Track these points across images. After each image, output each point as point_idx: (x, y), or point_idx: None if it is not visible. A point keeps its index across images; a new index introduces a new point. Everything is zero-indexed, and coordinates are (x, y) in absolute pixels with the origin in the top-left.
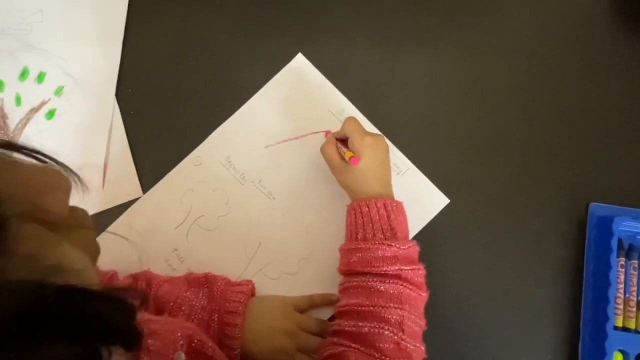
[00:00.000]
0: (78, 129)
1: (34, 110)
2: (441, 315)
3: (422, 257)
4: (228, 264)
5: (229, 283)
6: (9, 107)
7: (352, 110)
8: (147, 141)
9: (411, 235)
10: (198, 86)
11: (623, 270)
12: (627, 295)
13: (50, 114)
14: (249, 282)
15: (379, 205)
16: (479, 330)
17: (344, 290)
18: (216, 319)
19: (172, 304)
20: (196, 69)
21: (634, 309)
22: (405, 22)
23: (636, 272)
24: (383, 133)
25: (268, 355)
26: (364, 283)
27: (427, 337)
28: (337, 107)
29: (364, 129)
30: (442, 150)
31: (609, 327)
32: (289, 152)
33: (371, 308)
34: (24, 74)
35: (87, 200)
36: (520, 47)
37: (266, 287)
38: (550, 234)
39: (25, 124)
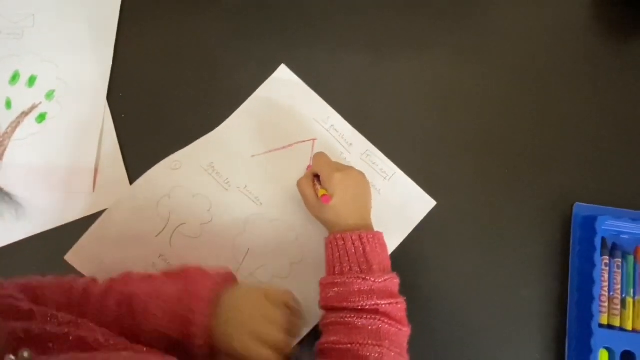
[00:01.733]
0: (69, 133)
1: (25, 114)
2: (429, 316)
3: (410, 259)
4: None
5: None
6: None
7: (336, 118)
8: (138, 144)
9: (400, 238)
10: (189, 90)
11: (607, 268)
12: (611, 293)
13: (41, 118)
14: (225, 270)
15: (354, 238)
16: (467, 331)
17: (323, 326)
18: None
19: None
20: (187, 73)
21: (619, 307)
22: (389, 28)
23: (620, 271)
24: (368, 138)
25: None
26: (342, 319)
27: (414, 338)
28: (322, 116)
29: (333, 165)
30: (429, 153)
31: (594, 325)
32: (276, 160)
33: (349, 345)
34: (14, 78)
35: (77, 203)
36: (506, 51)
37: None
38: (536, 234)
39: (16, 127)
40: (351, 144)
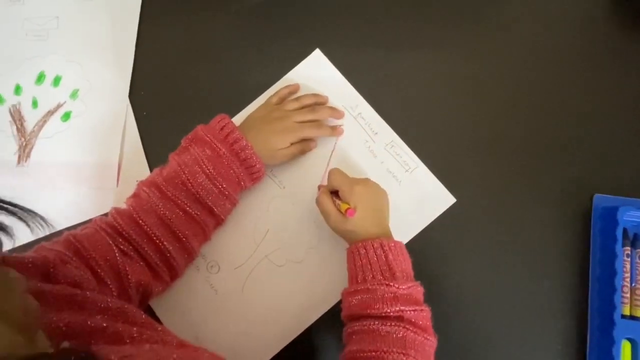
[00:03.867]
0: (93, 131)
1: (50, 112)
2: (451, 310)
3: (431, 252)
4: (236, 248)
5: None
6: (26, 110)
7: (365, 106)
8: (159, 141)
9: (415, 232)
10: (209, 87)
11: (629, 259)
12: (633, 284)
13: (66, 116)
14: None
15: (375, 246)
16: (488, 324)
17: (347, 336)
18: (226, 154)
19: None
20: (207, 70)
21: None
22: (418, 23)
23: None
24: (394, 130)
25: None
26: (366, 327)
27: (435, 330)
28: (351, 103)
29: (350, 179)
30: (450, 148)
31: (616, 316)
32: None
33: (373, 353)
34: (40, 78)
35: (103, 198)
36: (524, 45)
37: (271, 273)
38: (556, 226)
39: (42, 126)
40: (376, 133)
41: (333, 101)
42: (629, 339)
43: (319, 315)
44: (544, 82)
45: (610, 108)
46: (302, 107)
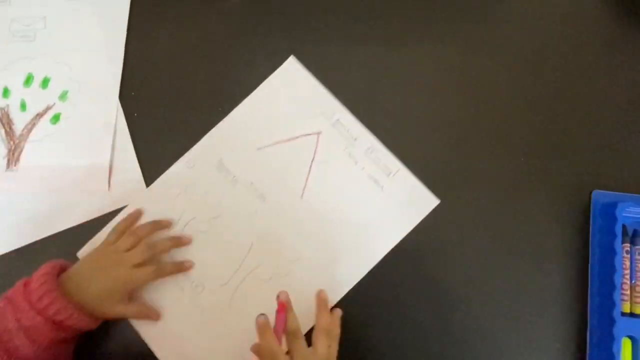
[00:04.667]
0: (83, 133)
1: (39, 115)
2: (449, 309)
3: (429, 250)
4: (220, 265)
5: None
6: (14, 113)
7: (343, 112)
8: (151, 142)
9: (402, 235)
10: (200, 87)
11: (628, 256)
12: (633, 281)
13: (55, 119)
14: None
15: None
16: (487, 322)
17: None
18: (36, 319)
19: None
20: (198, 69)
21: None
22: (397, 23)
23: None
24: (375, 132)
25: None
26: None
27: (432, 332)
28: (328, 109)
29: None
30: (443, 144)
31: (616, 314)
32: (281, 153)
33: None
34: (28, 80)
35: (94, 202)
36: (518, 39)
37: (258, 288)
38: (554, 223)
39: (31, 129)
40: (356, 139)
41: (310, 107)
42: (629, 337)
43: (309, 327)
44: (540, 77)
45: (609, 103)
46: (139, 241)
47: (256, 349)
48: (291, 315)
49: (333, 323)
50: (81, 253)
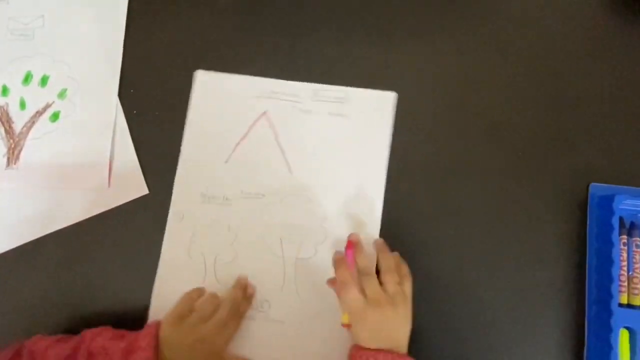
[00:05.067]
0: (83, 130)
1: (39, 113)
2: (446, 301)
3: (425, 244)
4: (268, 275)
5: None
6: (14, 111)
7: (272, 82)
8: (150, 140)
9: (387, 142)
10: None
11: (625, 248)
12: (630, 273)
13: (55, 117)
14: (153, 324)
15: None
16: (487, 316)
17: None
18: None
19: None
20: (196, 66)
21: (639, 286)
22: (397, 14)
23: (639, 250)
24: None
25: None
26: None
27: (431, 325)
28: (259, 89)
29: (361, 304)
30: (442, 140)
31: (613, 305)
32: (248, 151)
33: None
34: (27, 79)
35: (94, 199)
36: (515, 33)
37: (311, 272)
38: (552, 217)
39: (31, 127)
40: (297, 95)
41: (243, 98)
42: (627, 328)
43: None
44: (537, 71)
45: (605, 97)
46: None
47: (331, 281)
48: (361, 254)
49: (397, 262)
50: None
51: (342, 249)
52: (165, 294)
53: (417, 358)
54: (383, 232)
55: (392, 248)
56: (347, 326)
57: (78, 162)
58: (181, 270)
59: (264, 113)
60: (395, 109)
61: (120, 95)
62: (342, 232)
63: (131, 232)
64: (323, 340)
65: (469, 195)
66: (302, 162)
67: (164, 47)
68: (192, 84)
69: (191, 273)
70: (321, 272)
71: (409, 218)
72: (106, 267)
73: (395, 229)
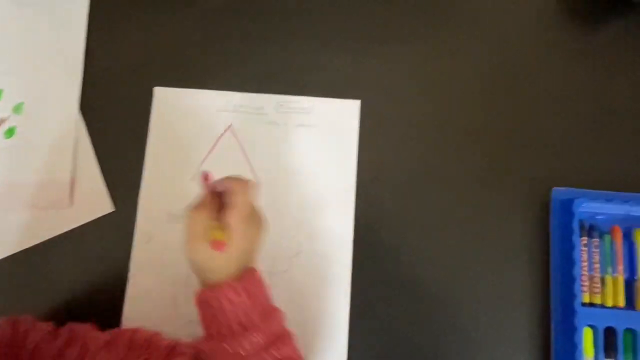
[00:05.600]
0: (41, 146)
1: None
2: (413, 305)
3: (392, 251)
4: None
5: (172, 352)
6: None
7: (236, 95)
8: (115, 154)
9: (354, 148)
10: None
11: (586, 249)
12: (591, 272)
13: (10, 132)
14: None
15: (230, 296)
16: (454, 318)
17: None
18: None
19: None
20: (162, 78)
21: (599, 285)
22: (367, 21)
23: (598, 250)
24: None
25: None
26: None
27: (399, 328)
28: (222, 102)
29: (247, 209)
30: (407, 144)
31: (577, 304)
32: (213, 165)
33: None
34: None
35: (55, 218)
36: (480, 42)
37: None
38: (518, 220)
39: None
40: (262, 107)
41: (206, 112)
42: (590, 326)
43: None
44: (500, 78)
45: (565, 104)
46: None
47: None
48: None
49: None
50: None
51: (317, 261)
52: (136, 320)
53: (391, 356)
54: (356, 240)
55: (365, 254)
56: (219, 246)
57: (37, 180)
58: (151, 294)
59: (229, 127)
60: (361, 117)
61: (82, 109)
62: (315, 244)
63: (96, 252)
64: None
65: (437, 200)
66: (270, 175)
67: (126, 61)
68: (152, 100)
69: (161, 297)
70: (297, 285)
71: (380, 224)
72: (70, 290)
73: (367, 236)
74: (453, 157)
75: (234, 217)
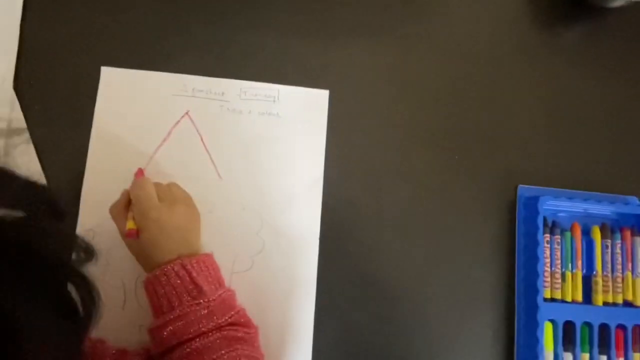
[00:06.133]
0: None
1: None
2: (381, 303)
3: (361, 246)
4: None
5: None
6: None
7: (193, 79)
8: (55, 141)
9: (322, 139)
10: None
11: (549, 245)
12: (552, 269)
13: None
14: None
15: (176, 269)
16: (421, 315)
17: None
18: None
19: None
20: (110, 58)
21: (559, 281)
22: (335, 14)
23: (559, 247)
24: None
25: None
26: (187, 350)
27: (367, 325)
28: (179, 86)
29: (152, 199)
30: (374, 144)
31: (539, 300)
32: (169, 155)
33: None
34: None
35: None
36: (450, 40)
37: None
38: (485, 217)
39: None
40: (223, 93)
41: (161, 97)
42: (551, 320)
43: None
44: (469, 77)
45: (532, 104)
46: None
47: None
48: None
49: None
50: None
51: (281, 259)
52: None
53: (359, 357)
54: (322, 235)
55: (332, 251)
56: (133, 234)
57: None
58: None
59: (186, 113)
60: (329, 108)
61: (17, 89)
62: (280, 241)
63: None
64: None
65: (404, 197)
66: (232, 167)
67: (71, 35)
68: (99, 82)
69: (108, 300)
70: (260, 285)
71: (347, 220)
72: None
73: (334, 232)
74: (421, 154)
75: (137, 210)
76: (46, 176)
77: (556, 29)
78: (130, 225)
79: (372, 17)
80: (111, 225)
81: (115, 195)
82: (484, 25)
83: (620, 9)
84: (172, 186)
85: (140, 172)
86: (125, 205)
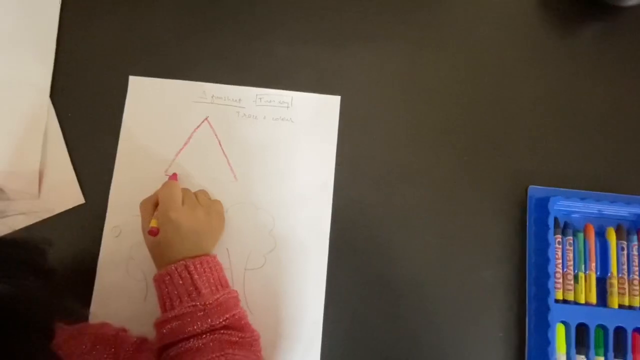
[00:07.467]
0: (9, 134)
1: None
2: (392, 303)
3: (371, 246)
4: None
5: (139, 348)
6: None
7: (212, 87)
8: (86, 144)
9: (333, 148)
10: None
11: (560, 246)
12: (564, 270)
13: None
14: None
15: (179, 270)
16: (432, 316)
17: None
18: None
19: None
20: (137, 67)
21: (572, 282)
22: (344, 19)
23: (571, 248)
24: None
25: None
26: (181, 349)
27: (376, 325)
28: (199, 93)
29: (176, 201)
30: (386, 143)
31: (550, 301)
32: (189, 159)
33: None
34: None
35: (23, 208)
36: (460, 41)
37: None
38: (496, 218)
39: None
40: (240, 99)
41: (182, 103)
42: (563, 322)
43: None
44: (480, 78)
45: (542, 104)
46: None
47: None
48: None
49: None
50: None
51: (293, 257)
52: (103, 316)
53: (368, 355)
54: (332, 235)
55: (342, 251)
56: (154, 232)
57: (4, 169)
58: (120, 289)
59: (206, 119)
60: (340, 113)
61: (52, 96)
62: (291, 240)
63: (65, 245)
64: (272, 352)
65: (415, 198)
66: (247, 169)
67: (101, 48)
68: (127, 90)
69: (131, 292)
70: (271, 282)
71: (358, 221)
72: (37, 285)
73: (344, 232)
74: (432, 155)
75: (160, 210)
76: (78, 178)
77: (568, 28)
78: (153, 223)
79: (382, 24)
80: (135, 224)
81: (140, 195)
82: (495, 27)
83: (634, 8)
84: (199, 193)
85: (174, 176)
86: (154, 203)
